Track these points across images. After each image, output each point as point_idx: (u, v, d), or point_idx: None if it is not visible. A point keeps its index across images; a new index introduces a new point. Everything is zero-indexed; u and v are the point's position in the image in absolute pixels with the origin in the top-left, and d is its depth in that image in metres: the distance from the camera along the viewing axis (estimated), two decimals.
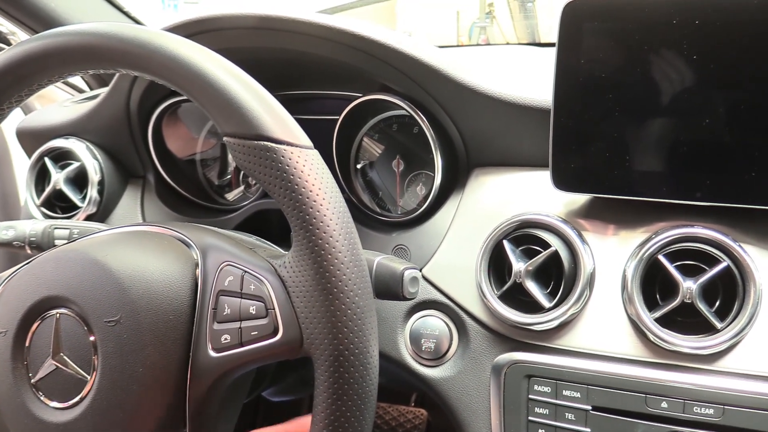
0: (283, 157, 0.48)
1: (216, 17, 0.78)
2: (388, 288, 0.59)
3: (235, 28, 0.78)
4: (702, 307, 0.62)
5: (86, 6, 1.14)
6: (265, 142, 0.49)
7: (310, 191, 0.48)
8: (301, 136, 0.51)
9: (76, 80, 1.25)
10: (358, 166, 0.89)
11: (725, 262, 0.63)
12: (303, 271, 0.49)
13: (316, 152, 0.51)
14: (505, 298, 0.70)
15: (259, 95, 0.50)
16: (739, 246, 0.63)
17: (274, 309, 0.50)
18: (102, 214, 0.93)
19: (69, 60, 0.55)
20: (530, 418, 0.68)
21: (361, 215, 0.86)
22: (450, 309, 0.75)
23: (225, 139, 0.51)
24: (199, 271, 0.55)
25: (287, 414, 1.27)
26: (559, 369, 0.68)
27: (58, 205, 0.95)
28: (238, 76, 0.51)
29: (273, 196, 0.49)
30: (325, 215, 0.48)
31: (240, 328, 0.51)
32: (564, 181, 0.69)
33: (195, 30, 0.78)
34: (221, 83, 0.50)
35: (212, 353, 0.52)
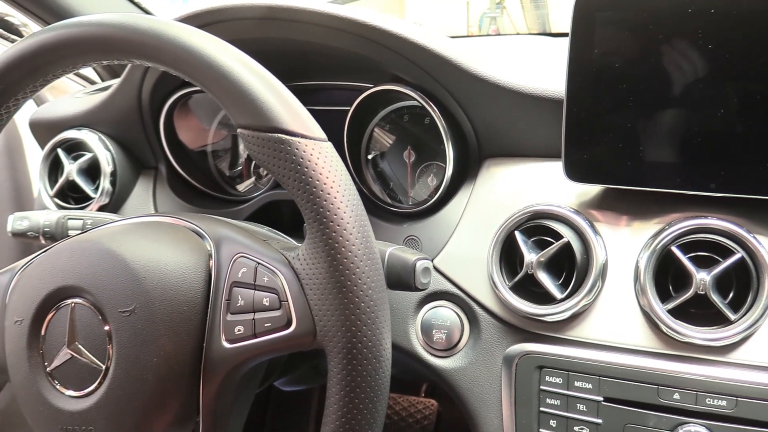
0: (297, 149, 0.48)
1: (227, 8, 0.78)
2: (399, 279, 0.59)
3: (246, 19, 0.78)
4: (715, 298, 0.62)
5: None
6: (280, 135, 0.49)
7: (324, 184, 0.48)
8: (315, 129, 0.51)
9: (88, 71, 1.25)
10: (369, 157, 0.89)
11: (739, 254, 0.63)
12: (316, 263, 0.49)
13: (329, 144, 0.51)
14: (516, 289, 0.70)
15: (274, 87, 0.50)
16: (754, 237, 0.63)
17: (287, 301, 0.50)
18: (114, 204, 0.94)
19: (83, 51, 0.55)
20: (542, 408, 0.68)
21: (372, 206, 0.86)
22: (461, 300, 0.75)
23: (239, 130, 0.51)
24: (212, 263, 0.55)
25: (298, 404, 1.28)
26: (571, 360, 0.67)
27: (71, 195, 0.96)
28: (253, 67, 0.51)
29: (287, 189, 0.49)
30: (339, 208, 0.48)
31: (253, 319, 0.51)
32: (576, 172, 0.69)
33: (206, 21, 0.78)
34: (236, 75, 0.50)
35: (226, 344, 0.52)
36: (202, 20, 0.79)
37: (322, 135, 0.51)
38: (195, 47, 0.50)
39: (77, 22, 0.54)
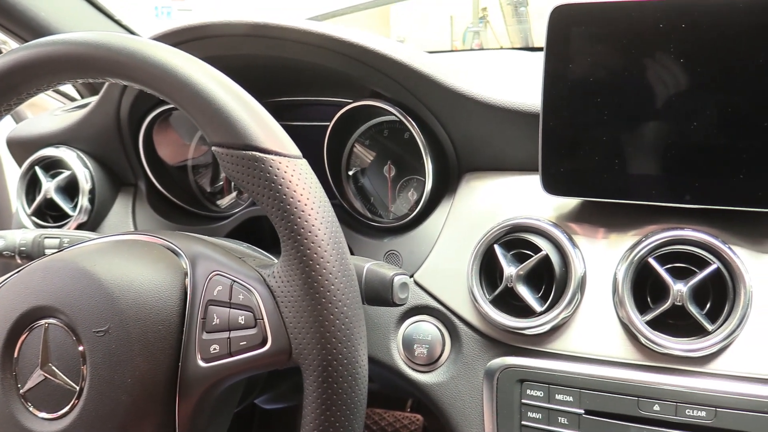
0: (271, 167, 0.48)
1: (205, 25, 0.78)
2: (378, 294, 0.59)
3: (224, 36, 0.78)
4: (692, 309, 0.63)
5: (77, 15, 1.14)
6: (253, 152, 0.49)
7: (299, 201, 0.48)
8: (290, 146, 0.51)
9: (67, 88, 1.24)
10: (350, 173, 0.89)
11: (715, 264, 0.63)
12: (291, 281, 0.48)
13: (304, 162, 0.51)
14: (496, 302, 0.70)
15: (247, 104, 0.50)
16: (729, 248, 0.63)
17: (262, 319, 0.50)
18: (93, 222, 0.93)
19: (58, 69, 0.55)
20: (523, 422, 0.68)
21: (352, 221, 0.86)
22: (442, 314, 0.75)
23: (213, 148, 0.50)
24: (188, 281, 0.54)
25: (283, 421, 1.26)
26: (552, 373, 0.67)
27: (49, 214, 0.95)
28: (226, 85, 0.51)
29: (261, 207, 0.49)
30: (313, 225, 0.48)
31: (229, 338, 0.51)
32: (553, 185, 0.69)
33: (184, 38, 0.78)
34: (209, 92, 0.49)
35: (201, 363, 0.52)
36: (180, 37, 0.79)
37: (297, 152, 0.51)
38: (169, 65, 0.50)
39: (52, 41, 0.54)
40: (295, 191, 0.48)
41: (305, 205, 0.48)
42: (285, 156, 0.49)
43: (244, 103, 0.50)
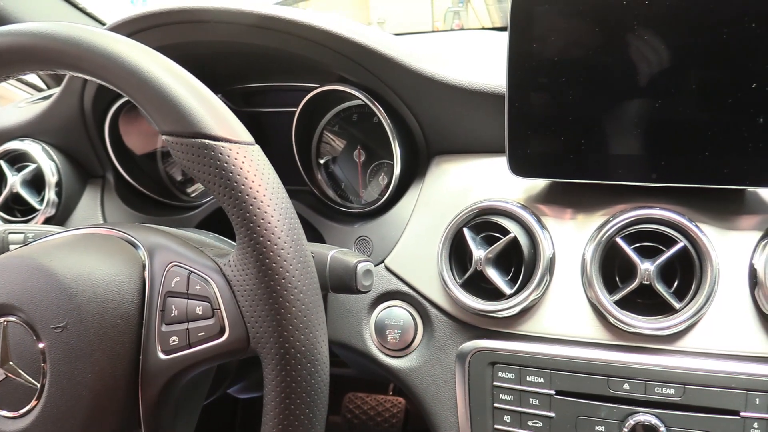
0: (221, 154, 0.47)
1: (163, 12, 0.76)
2: (342, 282, 0.58)
3: (184, 23, 0.76)
4: (660, 288, 0.62)
5: (39, 5, 1.11)
6: (203, 140, 0.47)
7: (250, 188, 0.47)
8: (241, 132, 0.50)
9: (33, 79, 1.22)
10: (321, 161, 0.88)
11: (682, 243, 0.63)
12: (246, 269, 0.48)
13: (257, 148, 0.50)
14: (466, 286, 0.70)
15: (196, 91, 0.49)
16: (696, 226, 0.63)
17: (219, 309, 0.49)
18: (61, 216, 0.92)
19: (2, 62, 0.53)
20: (495, 404, 0.68)
21: (323, 207, 0.85)
22: (414, 299, 0.74)
23: (164, 138, 0.49)
24: (146, 273, 0.54)
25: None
26: (523, 355, 0.67)
27: (16, 208, 0.94)
28: (174, 71, 0.50)
29: (214, 195, 0.48)
30: (266, 212, 0.47)
31: (188, 329, 0.50)
32: (521, 167, 0.69)
33: (141, 26, 0.77)
34: (156, 80, 0.48)
35: (162, 355, 0.51)
36: (136, 26, 0.77)
37: (249, 138, 0.50)
38: (114, 54, 0.49)
39: None
40: (246, 178, 0.47)
41: (257, 192, 0.47)
42: (236, 143, 0.48)
43: (192, 89, 0.49)
